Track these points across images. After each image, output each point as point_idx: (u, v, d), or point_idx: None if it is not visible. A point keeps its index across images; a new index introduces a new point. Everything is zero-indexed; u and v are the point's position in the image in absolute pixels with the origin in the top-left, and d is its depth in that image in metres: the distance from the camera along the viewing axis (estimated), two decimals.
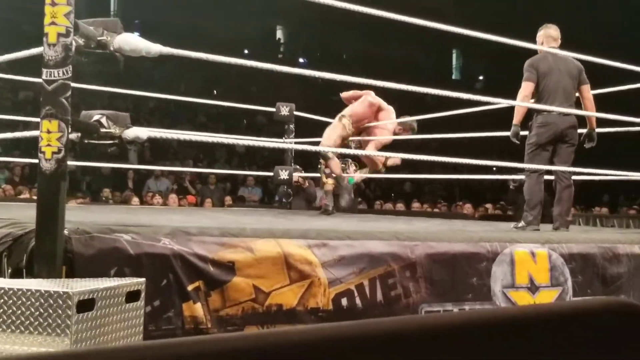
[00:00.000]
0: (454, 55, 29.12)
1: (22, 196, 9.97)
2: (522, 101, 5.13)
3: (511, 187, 9.45)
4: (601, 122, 5.52)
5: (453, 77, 28.57)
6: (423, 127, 7.29)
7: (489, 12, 20.19)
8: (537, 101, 5.19)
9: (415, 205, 13.50)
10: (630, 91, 5.86)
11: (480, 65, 27.48)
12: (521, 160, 5.27)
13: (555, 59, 5.25)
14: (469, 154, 5.62)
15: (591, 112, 5.34)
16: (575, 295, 3.98)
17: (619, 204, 16.69)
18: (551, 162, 5.21)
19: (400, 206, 12.72)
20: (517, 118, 5.20)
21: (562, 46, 5.32)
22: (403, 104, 7.60)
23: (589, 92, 5.37)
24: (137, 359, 0.57)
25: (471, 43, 19.50)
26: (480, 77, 27.87)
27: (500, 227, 5.62)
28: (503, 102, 5.16)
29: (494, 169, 7.63)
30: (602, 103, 5.50)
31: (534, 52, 5.34)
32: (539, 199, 5.19)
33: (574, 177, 5.44)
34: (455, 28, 4.38)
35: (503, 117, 5.28)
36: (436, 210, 12.83)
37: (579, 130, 5.29)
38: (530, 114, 5.28)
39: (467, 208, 12.56)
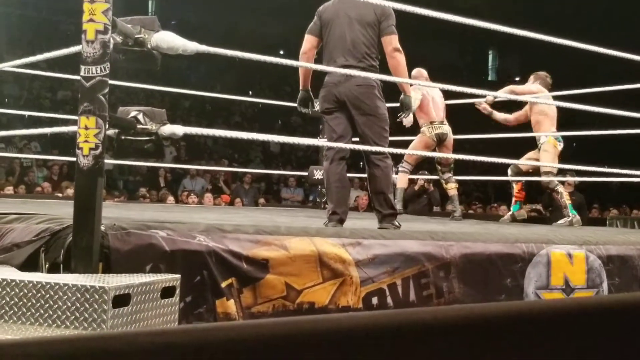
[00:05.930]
0: (490, 57, 28.97)
1: (61, 194, 10.11)
2: (300, 59, 4.19)
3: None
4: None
5: (489, 78, 28.40)
6: (457, 128, 7.28)
7: (524, 12, 20.01)
8: (322, 57, 4.28)
9: (450, 207, 13.40)
10: None
11: (515, 66, 27.29)
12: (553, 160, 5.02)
13: (345, 2, 4.20)
14: (504, 154, 5.54)
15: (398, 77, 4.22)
16: None
17: None
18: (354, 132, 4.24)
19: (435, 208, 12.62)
20: (300, 81, 4.41)
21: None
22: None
23: (392, 46, 4.18)
24: (169, 343, 0.58)
25: (507, 43, 19.34)
26: (517, 79, 27.68)
27: (536, 229, 5.56)
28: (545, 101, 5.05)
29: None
30: None
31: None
32: (344, 188, 4.27)
33: (621, 179, 5.22)
34: (491, 25, 4.29)
35: None
36: (471, 211, 12.72)
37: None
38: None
39: (503, 210, 12.43)
